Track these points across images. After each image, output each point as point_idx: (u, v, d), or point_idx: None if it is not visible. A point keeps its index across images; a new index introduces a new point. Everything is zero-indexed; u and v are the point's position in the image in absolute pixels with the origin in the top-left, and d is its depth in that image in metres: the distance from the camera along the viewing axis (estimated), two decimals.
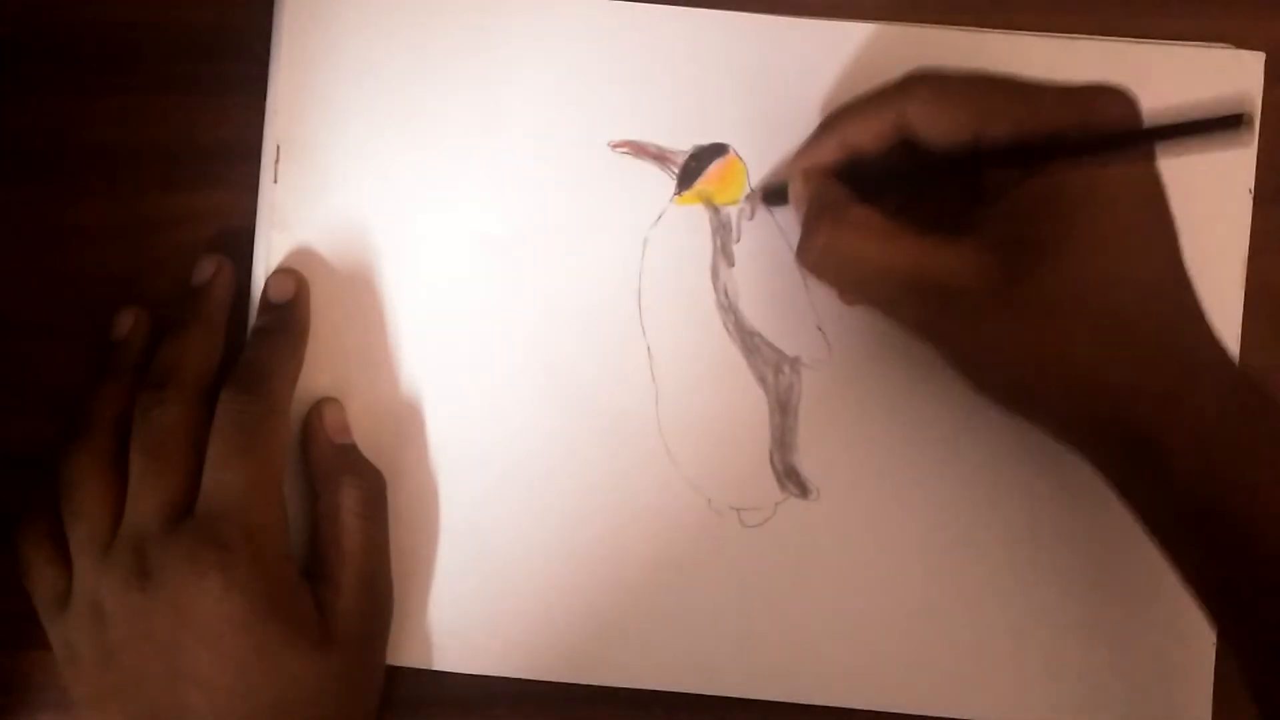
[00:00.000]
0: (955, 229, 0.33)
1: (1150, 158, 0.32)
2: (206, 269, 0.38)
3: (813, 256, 0.34)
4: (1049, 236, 0.31)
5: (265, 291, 0.38)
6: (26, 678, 0.39)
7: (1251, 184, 0.39)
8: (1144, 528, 0.33)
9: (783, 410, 0.39)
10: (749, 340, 0.39)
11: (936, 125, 0.33)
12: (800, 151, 0.36)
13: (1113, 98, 0.32)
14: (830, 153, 0.36)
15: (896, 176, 0.35)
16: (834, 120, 0.36)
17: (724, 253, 0.39)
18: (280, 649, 0.34)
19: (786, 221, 0.39)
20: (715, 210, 0.39)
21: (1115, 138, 0.31)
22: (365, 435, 0.39)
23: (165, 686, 0.34)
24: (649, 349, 0.39)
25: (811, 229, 0.34)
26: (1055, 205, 0.31)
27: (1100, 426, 0.32)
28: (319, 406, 0.38)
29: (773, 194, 0.39)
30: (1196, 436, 0.31)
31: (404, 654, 0.38)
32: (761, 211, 0.39)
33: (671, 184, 0.39)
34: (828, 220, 0.34)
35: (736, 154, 0.39)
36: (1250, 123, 0.27)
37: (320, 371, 0.39)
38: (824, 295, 0.39)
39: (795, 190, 0.36)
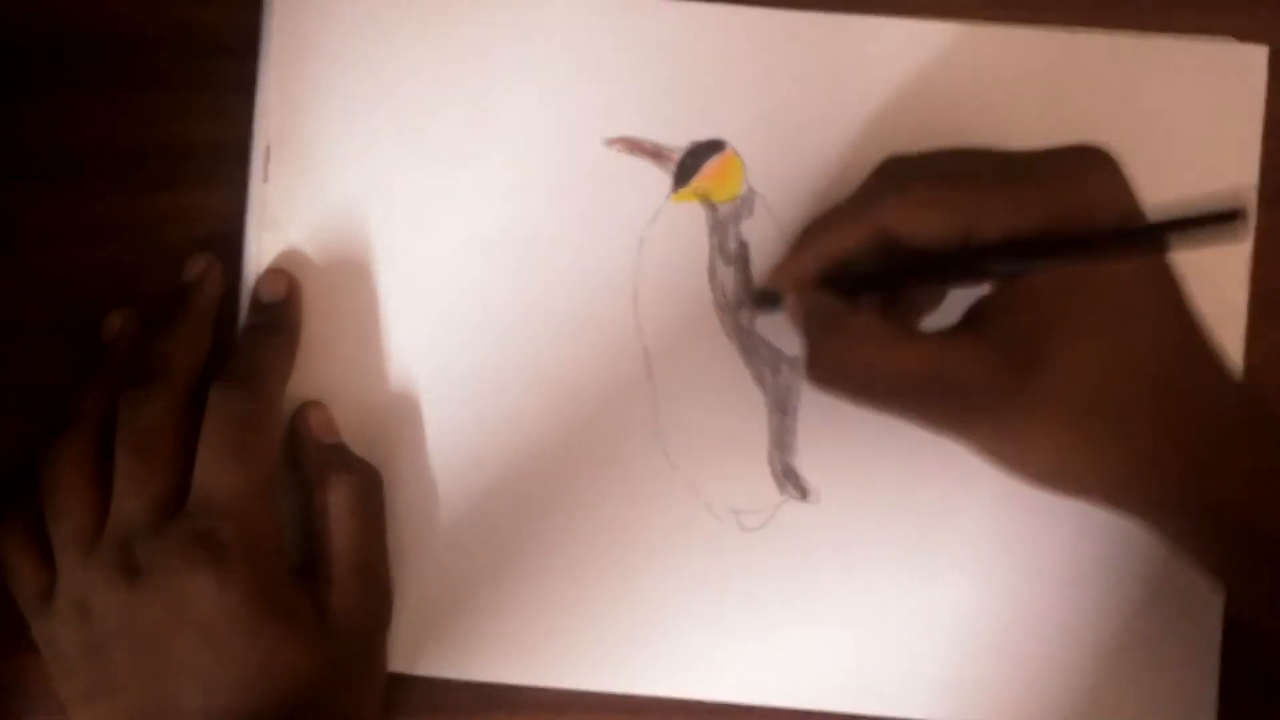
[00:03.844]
0: (968, 317, 0.33)
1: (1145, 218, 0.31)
2: (195, 267, 0.38)
3: (823, 374, 0.33)
4: (1060, 322, 0.31)
5: (256, 291, 0.38)
6: (21, 681, 0.39)
7: (1254, 184, 0.38)
8: (1220, 586, 0.33)
9: (781, 411, 0.39)
10: (747, 340, 0.39)
11: (921, 231, 0.32)
12: (783, 263, 0.35)
13: (1100, 174, 0.31)
14: (814, 265, 0.34)
15: (888, 272, 0.34)
16: (812, 235, 0.35)
17: (721, 251, 0.39)
18: (275, 643, 0.34)
19: (783, 230, 0.39)
20: (712, 208, 0.39)
21: (1114, 240, 0.30)
22: (357, 438, 0.38)
23: (157, 681, 0.34)
24: (646, 349, 0.39)
25: (815, 348, 0.33)
26: (1060, 289, 0.31)
27: (1150, 501, 0.32)
28: (303, 410, 0.38)
29: (764, 299, 0.38)
30: (1247, 495, 0.30)
31: (398, 660, 0.38)
32: (760, 208, 0.39)
33: (668, 181, 0.39)
34: (830, 337, 0.33)
35: (734, 150, 0.39)
36: (1246, 218, 0.26)
37: (311, 372, 0.38)
38: None
39: (790, 307, 0.35)
